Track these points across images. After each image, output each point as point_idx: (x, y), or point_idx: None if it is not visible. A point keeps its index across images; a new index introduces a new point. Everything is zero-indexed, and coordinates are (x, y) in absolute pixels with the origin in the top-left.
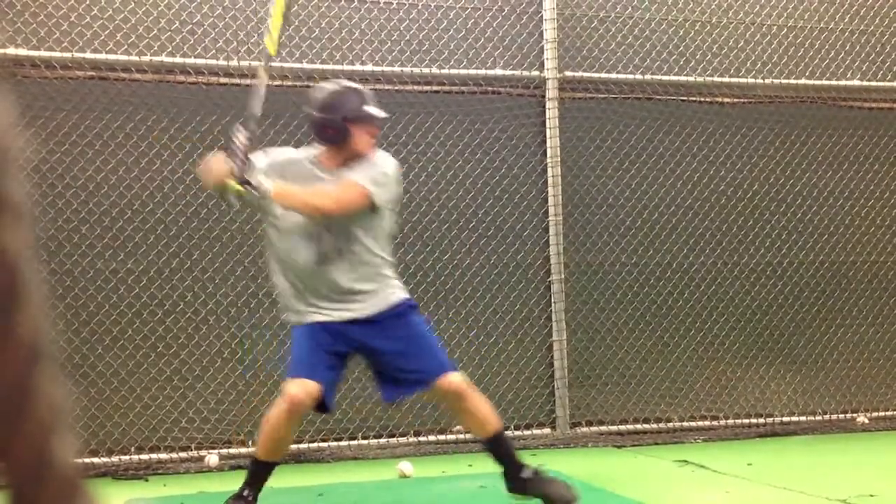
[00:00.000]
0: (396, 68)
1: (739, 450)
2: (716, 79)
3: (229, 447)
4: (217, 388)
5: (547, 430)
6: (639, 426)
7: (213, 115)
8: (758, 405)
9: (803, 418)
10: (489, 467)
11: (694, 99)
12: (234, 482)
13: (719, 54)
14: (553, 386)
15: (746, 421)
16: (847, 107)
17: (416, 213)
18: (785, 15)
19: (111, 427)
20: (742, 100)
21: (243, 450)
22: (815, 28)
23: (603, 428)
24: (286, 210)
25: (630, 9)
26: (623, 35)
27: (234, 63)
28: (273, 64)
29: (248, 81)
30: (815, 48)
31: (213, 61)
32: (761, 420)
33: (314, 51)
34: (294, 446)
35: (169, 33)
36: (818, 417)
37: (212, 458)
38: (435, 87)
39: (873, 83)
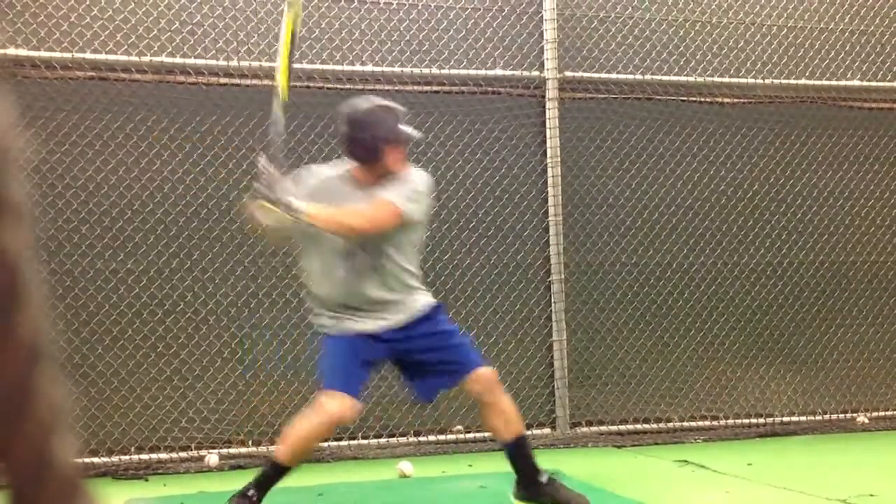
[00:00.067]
0: (396, 68)
1: (739, 450)
2: (716, 79)
3: (229, 447)
4: (217, 388)
5: (547, 430)
6: (639, 426)
7: (213, 115)
8: (758, 405)
9: (803, 418)
10: (489, 467)
11: (694, 99)
12: (235, 482)
13: (719, 54)
14: (553, 386)
15: (746, 421)
16: (847, 107)
17: None
18: (785, 15)
19: (111, 427)
20: (742, 100)
21: (243, 450)
22: (815, 28)
23: (603, 428)
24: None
25: (630, 9)
26: (623, 35)
27: (234, 63)
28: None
29: (248, 82)
30: (815, 48)
31: (213, 62)
32: (761, 420)
33: (314, 51)
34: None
35: (169, 34)
36: (818, 417)
37: (212, 457)
38: (435, 88)
39: (873, 83)
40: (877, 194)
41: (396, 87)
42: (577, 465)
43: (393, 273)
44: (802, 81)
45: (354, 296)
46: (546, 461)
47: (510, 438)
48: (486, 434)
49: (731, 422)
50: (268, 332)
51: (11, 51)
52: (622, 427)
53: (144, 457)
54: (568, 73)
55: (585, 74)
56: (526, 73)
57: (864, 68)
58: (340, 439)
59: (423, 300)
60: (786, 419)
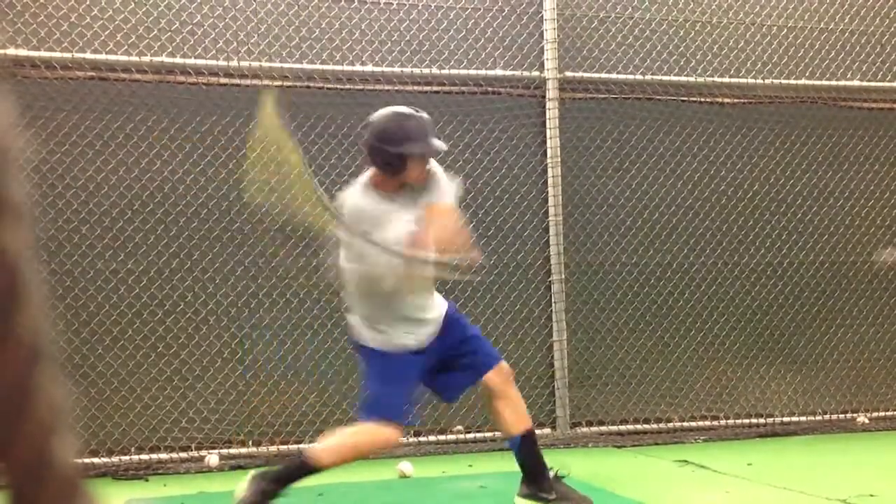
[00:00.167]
0: (396, 68)
1: (739, 450)
2: (716, 79)
3: (229, 447)
4: (217, 388)
5: (547, 430)
6: (639, 426)
7: (213, 115)
8: (758, 405)
9: (803, 418)
10: (489, 467)
11: (694, 99)
12: (235, 482)
13: (719, 54)
14: (553, 386)
15: (747, 421)
16: (847, 107)
17: None
18: (785, 15)
19: (111, 427)
20: (742, 100)
21: (243, 450)
22: (815, 28)
23: (603, 428)
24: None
25: (630, 9)
26: (623, 35)
27: (234, 63)
28: (275, 64)
29: (248, 82)
30: (815, 48)
31: (213, 62)
32: (761, 420)
33: (314, 51)
34: (294, 446)
35: (169, 34)
36: (818, 417)
37: (212, 458)
38: (435, 88)
39: (873, 83)
40: (877, 194)
41: (396, 87)
42: (578, 465)
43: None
44: (802, 81)
45: (407, 306)
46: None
47: (522, 430)
48: (487, 434)
49: (731, 422)
50: (268, 333)
51: (11, 51)
52: (622, 427)
53: (144, 457)
54: (568, 74)
55: (585, 74)
56: (526, 73)
57: (863, 68)
58: None
59: (441, 298)
60: (786, 419)
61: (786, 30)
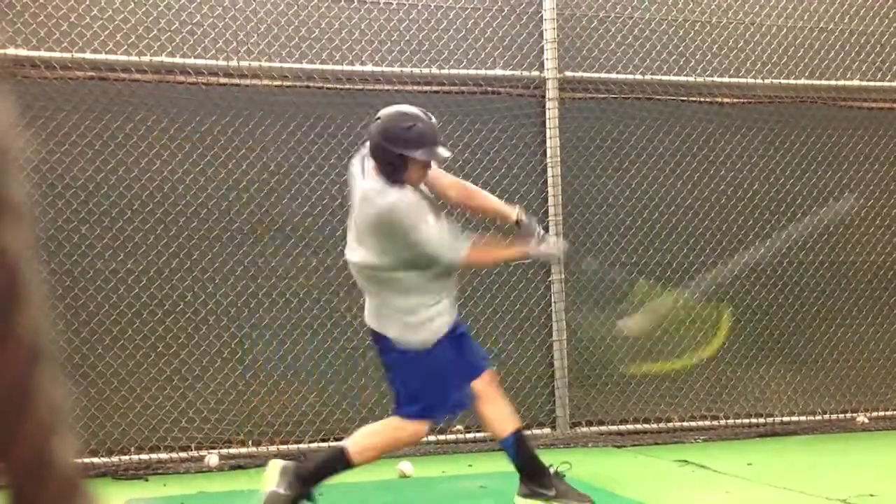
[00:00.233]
0: (396, 68)
1: (739, 450)
2: (716, 79)
3: (229, 447)
4: (217, 388)
5: (547, 430)
6: (639, 426)
7: (213, 115)
8: (758, 405)
9: (803, 418)
10: (489, 467)
11: (694, 99)
12: (235, 482)
13: (719, 54)
14: (553, 386)
15: (746, 421)
16: (847, 107)
17: None
18: (785, 15)
19: (111, 427)
20: (742, 100)
21: (243, 450)
22: (815, 28)
23: (603, 428)
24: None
25: (630, 9)
26: (623, 35)
27: (233, 63)
28: (275, 64)
29: (247, 82)
30: (814, 48)
31: (213, 62)
32: (761, 420)
33: (314, 51)
34: (294, 446)
35: (169, 34)
36: (818, 417)
37: (212, 457)
38: (435, 88)
39: (873, 83)
40: (876, 194)
41: (396, 87)
42: (578, 465)
43: None
44: (802, 81)
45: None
46: (547, 461)
47: (512, 430)
48: (486, 434)
49: (731, 422)
50: (268, 333)
51: (11, 51)
52: (622, 427)
53: (144, 457)
54: (568, 73)
55: (585, 74)
56: (526, 73)
57: (863, 68)
58: (340, 439)
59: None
60: (786, 419)
61: (786, 30)
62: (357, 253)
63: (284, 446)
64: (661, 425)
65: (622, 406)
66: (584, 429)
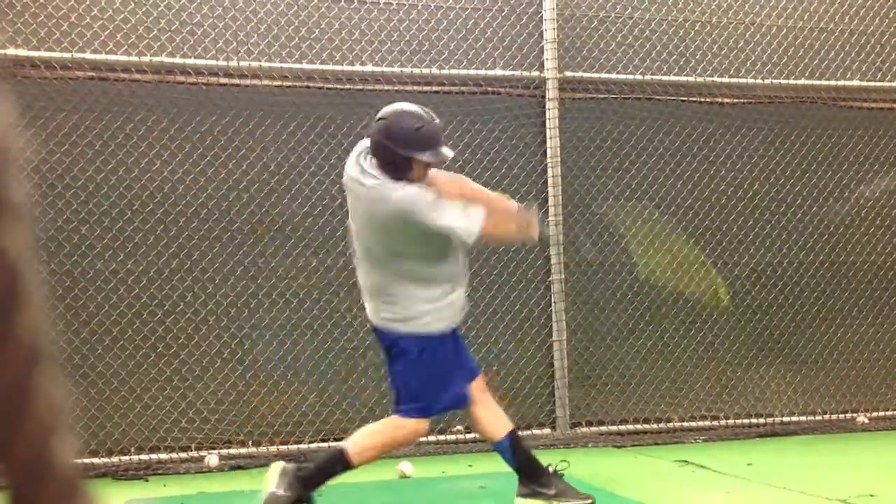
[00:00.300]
0: (396, 68)
1: (739, 450)
2: (716, 79)
3: (229, 447)
4: (217, 388)
5: (547, 431)
6: (639, 426)
7: (213, 115)
8: (758, 405)
9: (803, 418)
10: (489, 467)
11: (694, 99)
12: (235, 482)
13: (719, 54)
14: (553, 386)
15: (746, 421)
16: (847, 107)
17: None
18: (785, 15)
19: (111, 427)
20: (742, 100)
21: (243, 450)
22: (815, 28)
23: (603, 428)
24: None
25: (630, 9)
26: (623, 35)
27: (233, 63)
28: (275, 64)
29: (247, 82)
30: (814, 48)
31: (213, 62)
32: (761, 420)
33: (314, 51)
34: (294, 446)
35: (169, 34)
36: (818, 417)
37: (212, 458)
38: (435, 88)
39: (873, 83)
40: (876, 194)
41: (396, 87)
42: (578, 465)
43: None
44: (802, 81)
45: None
46: (546, 461)
47: (506, 433)
48: None
49: (731, 422)
50: (267, 333)
51: (11, 51)
52: (622, 427)
53: (144, 457)
54: (568, 73)
55: (585, 74)
56: (526, 74)
57: (863, 68)
58: (340, 439)
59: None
60: (786, 419)
61: (786, 30)
62: (372, 251)
63: (284, 447)
64: (661, 425)
65: (622, 406)
66: (584, 429)
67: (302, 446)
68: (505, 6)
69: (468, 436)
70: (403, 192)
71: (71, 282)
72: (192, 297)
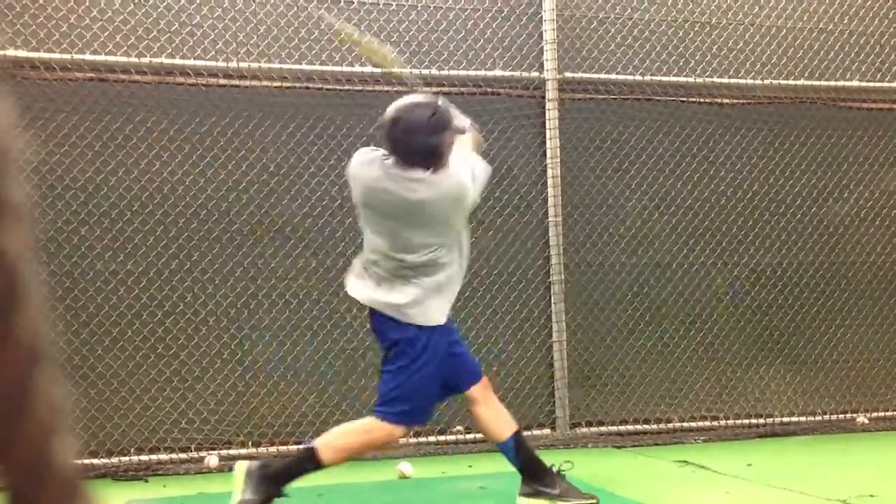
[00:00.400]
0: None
1: (739, 450)
2: (715, 80)
3: (229, 448)
4: (217, 389)
5: (547, 431)
6: (639, 427)
7: (213, 116)
8: (758, 405)
9: (803, 419)
10: (489, 468)
11: (694, 100)
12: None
13: (719, 55)
14: (553, 386)
15: (746, 421)
16: (846, 107)
17: None
18: (784, 16)
19: (111, 428)
20: (742, 100)
21: (243, 451)
22: (815, 29)
23: (603, 428)
24: None
25: (630, 9)
26: (623, 36)
27: (233, 65)
28: (275, 65)
29: (247, 83)
30: (814, 49)
31: (213, 63)
32: (761, 420)
33: (313, 52)
34: (294, 447)
35: (168, 35)
36: (818, 418)
37: (212, 459)
38: (434, 89)
39: (872, 84)
40: (876, 194)
41: (396, 88)
42: (578, 465)
43: None
44: (802, 82)
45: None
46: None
47: (511, 433)
48: None
49: (731, 422)
50: (267, 333)
51: (11, 52)
52: (622, 427)
53: (144, 458)
54: (567, 74)
55: (585, 75)
56: (525, 74)
57: (863, 69)
58: None
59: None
60: (786, 419)
61: (785, 30)
62: (423, 245)
63: (284, 447)
64: (661, 426)
65: (622, 406)
66: (584, 429)
67: (301, 447)
68: (504, 7)
69: (468, 436)
70: (457, 179)
71: (71, 282)
72: (192, 297)
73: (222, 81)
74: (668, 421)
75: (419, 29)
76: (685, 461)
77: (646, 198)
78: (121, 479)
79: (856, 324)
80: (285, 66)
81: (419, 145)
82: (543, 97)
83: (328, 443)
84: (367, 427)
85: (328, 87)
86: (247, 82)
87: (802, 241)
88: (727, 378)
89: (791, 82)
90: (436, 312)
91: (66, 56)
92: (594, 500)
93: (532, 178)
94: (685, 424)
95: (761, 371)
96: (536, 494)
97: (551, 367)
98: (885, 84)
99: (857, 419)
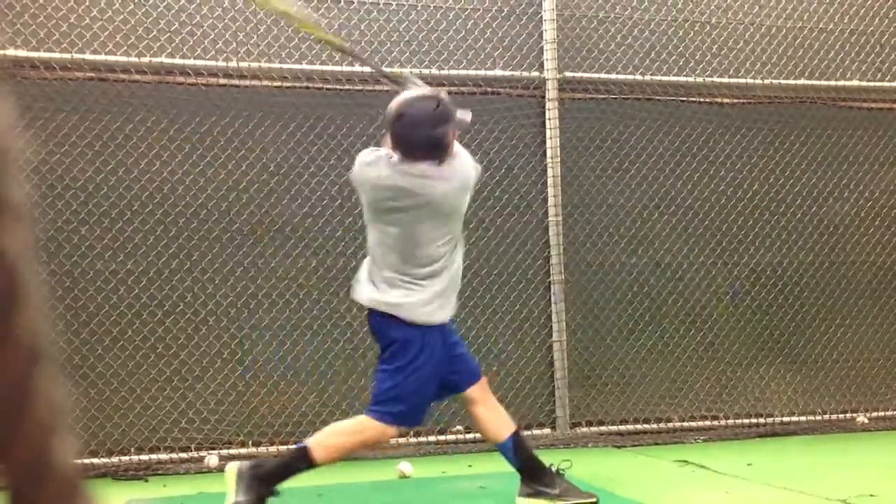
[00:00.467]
0: (396, 69)
1: (739, 450)
2: (715, 79)
3: (229, 448)
4: (217, 388)
5: (547, 431)
6: (639, 426)
7: (213, 116)
8: (758, 405)
9: (803, 418)
10: (489, 467)
11: (693, 99)
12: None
13: (719, 55)
14: (553, 386)
15: (746, 421)
16: (847, 107)
17: None
18: (784, 15)
19: (111, 428)
20: (741, 100)
21: (243, 450)
22: (815, 28)
23: (603, 428)
24: None
25: (630, 9)
26: (623, 35)
27: (233, 64)
28: (275, 65)
29: (247, 83)
30: (814, 49)
31: (213, 62)
32: (761, 420)
33: (314, 52)
34: (294, 447)
35: (168, 34)
36: (818, 417)
37: (211, 458)
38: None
39: (872, 83)
40: (876, 194)
41: (396, 88)
42: (578, 465)
43: None
44: (802, 81)
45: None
46: (547, 461)
47: (509, 434)
48: None
49: (731, 422)
50: (267, 333)
51: (11, 51)
52: (622, 427)
53: (144, 457)
54: (568, 74)
55: (585, 75)
56: (526, 74)
57: (863, 68)
58: None
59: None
60: (786, 419)
61: (785, 30)
62: (433, 239)
63: (284, 447)
64: (661, 425)
65: (622, 406)
66: (584, 429)
67: (294, 446)
68: (505, 6)
69: (468, 436)
70: (466, 171)
71: (71, 282)
72: (192, 297)
73: (222, 81)
74: (668, 421)
75: (419, 28)
76: (685, 461)
77: (646, 198)
78: (121, 479)
79: (856, 324)
80: (285, 66)
81: (426, 138)
82: (543, 97)
83: (320, 442)
84: (360, 426)
85: (328, 87)
86: (247, 82)
87: (802, 241)
88: (727, 378)
89: (791, 82)
90: (437, 310)
91: (66, 55)
92: (594, 500)
93: (532, 178)
94: (685, 424)
95: (761, 371)
96: (536, 494)
97: (551, 367)
98: (886, 84)
99: (857, 419)
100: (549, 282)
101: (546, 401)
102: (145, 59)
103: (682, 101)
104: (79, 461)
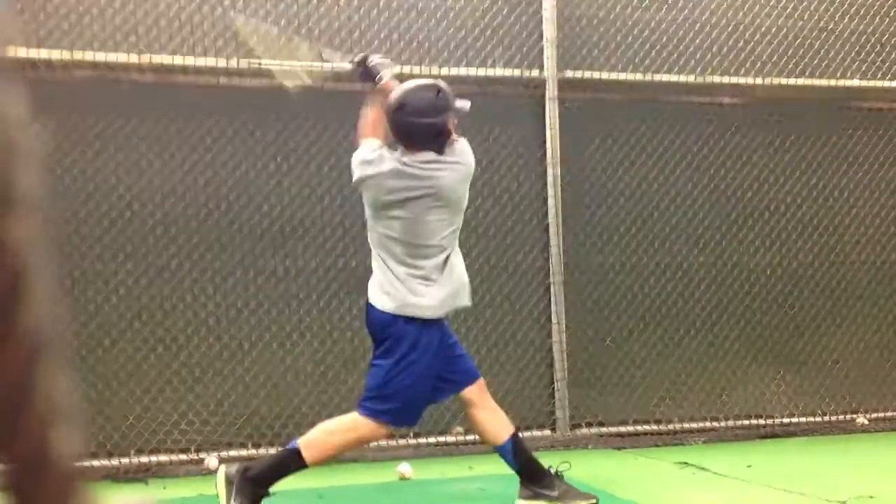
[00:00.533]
0: (396, 68)
1: (739, 451)
2: (715, 79)
3: (229, 449)
4: (217, 390)
5: (547, 432)
6: (639, 427)
7: (213, 115)
8: (758, 406)
9: (803, 419)
10: (489, 469)
11: (694, 99)
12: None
13: (719, 54)
14: (553, 387)
15: (746, 422)
16: (847, 107)
17: None
18: (785, 15)
19: (111, 430)
20: (742, 100)
21: (243, 452)
22: (815, 28)
23: (603, 429)
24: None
25: (630, 8)
26: (623, 35)
27: (233, 63)
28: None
29: (247, 82)
30: (814, 48)
31: (213, 62)
32: (761, 421)
33: (313, 52)
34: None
35: (169, 34)
36: (818, 419)
37: (212, 460)
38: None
39: (873, 83)
40: (876, 194)
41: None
42: (578, 466)
43: None
44: (802, 81)
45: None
46: (546, 463)
47: (508, 436)
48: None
49: (731, 423)
50: (267, 334)
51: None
52: (622, 428)
53: (144, 459)
54: (568, 73)
55: (585, 74)
56: (526, 73)
57: (863, 68)
58: None
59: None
60: (786, 420)
61: (786, 30)
62: (438, 230)
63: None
64: (661, 427)
65: (622, 407)
66: (584, 430)
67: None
68: (505, 5)
69: (468, 437)
70: (464, 157)
71: (71, 283)
72: (192, 297)
73: (223, 80)
74: (668, 422)
75: (419, 27)
76: (685, 462)
77: (646, 198)
78: (121, 481)
79: (856, 324)
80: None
81: (428, 127)
82: (543, 96)
83: (312, 441)
84: (352, 425)
85: (328, 86)
86: (247, 81)
87: (802, 241)
88: (727, 378)
89: (791, 82)
90: (434, 303)
91: (67, 54)
92: (594, 502)
93: (532, 178)
94: (685, 425)
95: (761, 372)
96: (536, 497)
97: (551, 368)
98: (886, 83)
99: (857, 419)
100: (549, 282)
101: (546, 402)
102: (145, 58)
103: (683, 101)
104: (82, 456)
